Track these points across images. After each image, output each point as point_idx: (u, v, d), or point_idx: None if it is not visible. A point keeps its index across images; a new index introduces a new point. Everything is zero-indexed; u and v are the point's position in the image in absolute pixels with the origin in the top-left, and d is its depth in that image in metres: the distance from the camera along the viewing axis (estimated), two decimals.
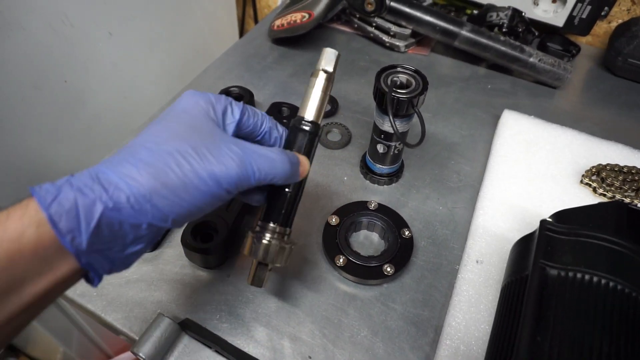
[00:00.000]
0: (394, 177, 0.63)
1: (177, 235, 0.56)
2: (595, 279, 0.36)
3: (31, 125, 0.81)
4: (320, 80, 0.41)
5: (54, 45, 0.79)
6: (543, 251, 0.40)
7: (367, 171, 0.63)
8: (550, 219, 0.45)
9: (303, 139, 0.40)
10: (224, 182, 0.33)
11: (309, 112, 0.40)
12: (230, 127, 0.37)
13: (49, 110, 0.83)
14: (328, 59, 0.41)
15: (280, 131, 0.41)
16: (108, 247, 0.30)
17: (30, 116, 0.80)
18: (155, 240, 0.35)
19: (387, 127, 0.55)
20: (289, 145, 0.41)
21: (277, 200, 0.40)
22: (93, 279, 0.31)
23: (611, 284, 0.36)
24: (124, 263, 0.32)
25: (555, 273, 0.38)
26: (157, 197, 0.30)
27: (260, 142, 0.40)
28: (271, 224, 0.40)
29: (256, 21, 1.38)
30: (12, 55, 0.73)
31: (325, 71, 0.41)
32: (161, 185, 0.31)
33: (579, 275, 0.37)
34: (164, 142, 0.33)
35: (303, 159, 0.40)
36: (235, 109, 0.38)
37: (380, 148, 0.58)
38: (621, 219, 0.41)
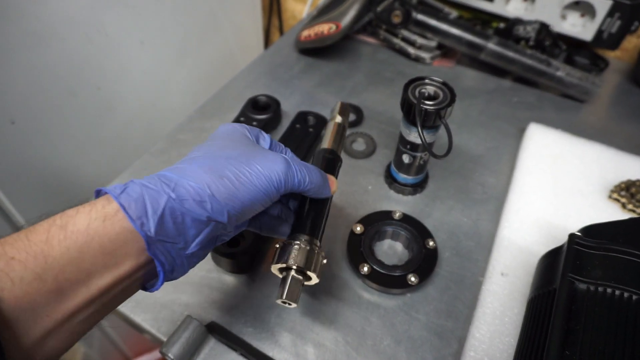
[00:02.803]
0: (418, 187, 0.63)
1: None
2: (625, 294, 0.36)
3: (65, 131, 0.84)
4: (333, 127, 0.50)
5: (89, 54, 0.82)
6: (572, 265, 0.39)
7: (391, 181, 0.64)
8: (579, 233, 0.45)
9: (325, 162, 0.46)
10: (274, 178, 0.36)
11: (328, 144, 0.48)
12: (264, 146, 0.42)
13: (82, 116, 0.86)
14: (339, 110, 0.51)
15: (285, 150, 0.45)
16: (174, 240, 0.32)
17: (65, 122, 0.83)
18: (212, 247, 0.37)
19: (413, 137, 0.55)
20: None
21: (306, 213, 0.43)
22: (158, 278, 0.33)
23: None
24: (183, 266, 0.34)
25: (585, 287, 0.38)
26: (216, 188, 0.33)
27: None
28: (300, 235, 0.41)
29: (281, 32, 1.40)
30: (51, 63, 0.76)
31: (335, 120, 0.50)
32: (218, 178, 0.33)
33: (609, 290, 0.37)
34: (214, 151, 0.36)
35: (331, 176, 0.44)
36: (266, 137, 0.43)
37: (405, 158, 0.59)
38: None
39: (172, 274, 0.34)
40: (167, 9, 0.96)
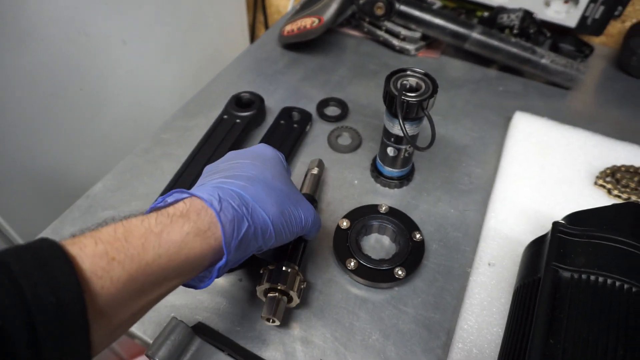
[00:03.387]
0: (404, 180, 0.63)
1: None
2: (609, 281, 0.36)
3: (49, 133, 0.83)
4: (310, 177, 0.59)
5: (70, 54, 0.81)
6: (555, 253, 0.39)
7: (377, 174, 0.63)
8: (562, 221, 0.45)
9: None
10: (305, 226, 0.43)
11: (307, 189, 0.58)
12: None
13: (67, 117, 0.85)
14: (316, 164, 0.61)
15: None
16: (233, 260, 0.36)
17: (49, 123, 0.82)
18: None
19: (397, 130, 0.55)
20: None
21: (287, 246, 0.49)
22: (207, 283, 0.37)
23: (625, 286, 0.36)
24: (224, 271, 0.38)
25: (568, 275, 0.38)
26: (277, 223, 0.39)
27: None
28: (283, 261, 0.47)
29: (266, 27, 1.39)
30: (31, 65, 0.75)
31: (312, 173, 0.60)
32: (280, 213, 0.39)
33: (592, 277, 0.37)
34: (271, 179, 0.41)
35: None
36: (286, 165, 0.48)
37: (390, 151, 0.58)
38: (636, 220, 0.40)
39: (214, 277, 0.38)
40: (151, 7, 0.94)
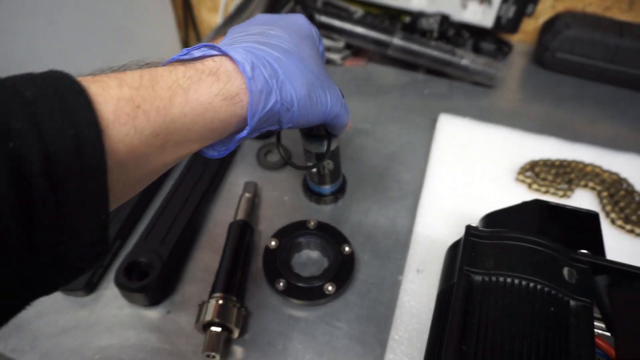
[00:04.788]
0: (338, 194, 0.63)
1: (112, 276, 0.54)
2: (516, 281, 0.37)
3: None
4: (244, 201, 0.59)
5: None
6: (468, 257, 0.40)
7: (311, 193, 0.63)
8: (478, 223, 0.46)
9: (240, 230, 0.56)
10: (332, 114, 0.40)
11: (241, 215, 0.57)
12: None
13: None
14: (248, 188, 0.61)
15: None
16: (252, 133, 0.34)
17: None
18: None
19: (309, 147, 0.54)
20: None
21: (221, 269, 0.50)
22: (222, 153, 0.35)
23: (531, 284, 0.36)
24: (230, 148, 0.36)
25: (480, 279, 0.38)
26: (301, 104, 0.35)
27: None
28: (216, 292, 0.48)
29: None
30: None
31: (246, 196, 0.60)
32: (307, 96, 0.36)
33: (501, 279, 0.37)
34: (309, 59, 0.38)
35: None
36: (322, 44, 0.45)
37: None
38: (541, 217, 0.42)
39: (229, 149, 0.36)
40: (74, 29, 0.91)
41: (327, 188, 0.61)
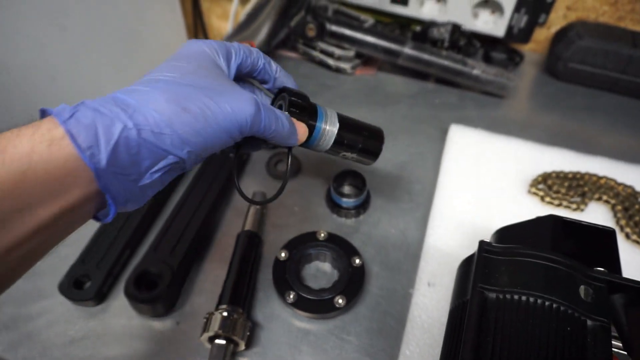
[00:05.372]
0: (360, 208, 0.62)
1: (121, 286, 0.54)
2: (531, 299, 0.36)
3: None
4: (253, 212, 0.59)
5: None
6: (481, 274, 0.39)
7: (333, 205, 0.62)
8: (491, 238, 0.45)
9: (248, 240, 0.56)
10: (240, 119, 0.34)
11: (249, 226, 0.57)
12: (233, 68, 0.39)
13: None
14: (257, 198, 0.61)
15: (274, 67, 0.43)
16: (126, 172, 0.29)
17: None
18: (169, 178, 0.34)
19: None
20: None
21: (227, 281, 0.50)
22: (109, 209, 0.30)
23: (547, 303, 0.36)
24: (137, 198, 0.32)
25: (494, 296, 0.38)
26: (178, 121, 0.30)
27: (261, 79, 0.43)
28: (221, 306, 0.47)
29: None
30: None
31: (255, 207, 0.60)
32: (182, 110, 0.31)
33: (515, 296, 0.37)
34: (180, 77, 0.33)
35: (300, 124, 0.41)
36: (238, 51, 0.39)
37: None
38: (555, 233, 0.41)
39: (126, 205, 0.31)
40: (83, 36, 0.91)
41: (352, 201, 0.60)
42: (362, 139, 0.46)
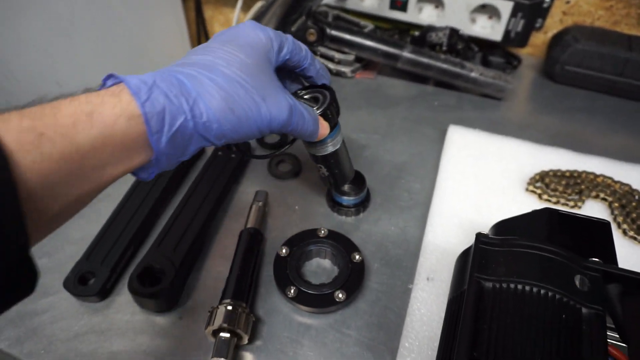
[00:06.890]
0: (360, 206, 0.63)
1: (125, 282, 0.55)
2: (527, 287, 0.37)
3: None
4: (255, 210, 0.60)
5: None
6: (478, 265, 0.40)
7: (333, 204, 0.63)
8: (489, 231, 0.46)
9: (250, 237, 0.56)
10: (274, 123, 0.39)
11: (251, 223, 0.58)
12: (280, 61, 0.43)
13: None
14: (259, 196, 0.62)
15: (317, 66, 0.48)
16: (176, 152, 0.35)
17: None
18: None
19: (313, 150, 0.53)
20: None
21: (231, 276, 0.51)
22: (151, 173, 0.36)
23: (542, 291, 0.36)
24: (171, 165, 0.37)
25: (490, 286, 0.38)
26: (224, 120, 0.35)
27: (302, 73, 0.48)
28: (225, 300, 0.48)
29: None
30: None
31: (257, 205, 0.60)
32: (230, 111, 0.35)
33: (512, 285, 0.37)
34: (237, 70, 0.37)
35: (323, 121, 0.46)
36: (289, 46, 0.43)
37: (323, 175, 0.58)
38: (550, 225, 0.42)
39: (162, 169, 0.36)
40: (88, 44, 0.93)
41: (349, 199, 0.61)
42: (344, 166, 0.55)
